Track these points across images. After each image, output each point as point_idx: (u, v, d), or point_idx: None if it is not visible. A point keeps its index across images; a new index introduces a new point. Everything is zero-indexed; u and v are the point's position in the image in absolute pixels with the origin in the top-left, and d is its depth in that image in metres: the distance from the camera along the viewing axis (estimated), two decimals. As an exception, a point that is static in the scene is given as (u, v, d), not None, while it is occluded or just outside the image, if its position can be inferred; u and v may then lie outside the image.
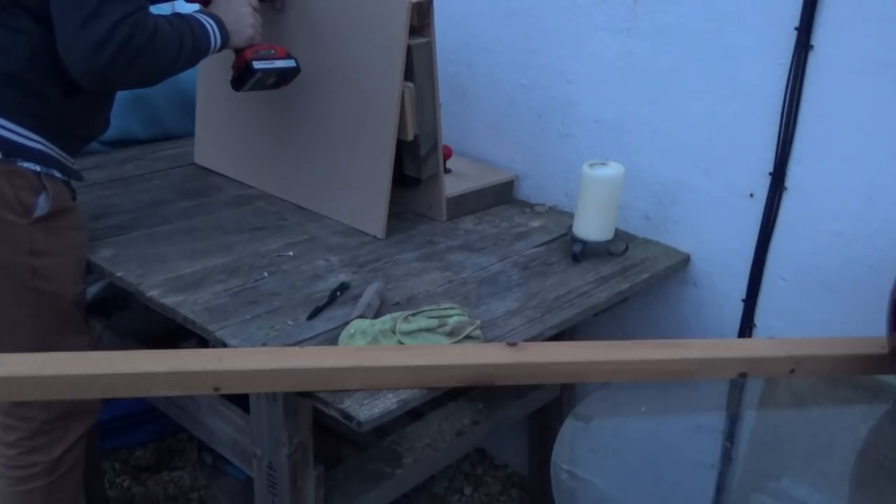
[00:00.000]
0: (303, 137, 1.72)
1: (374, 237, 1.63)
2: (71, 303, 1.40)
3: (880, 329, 1.15)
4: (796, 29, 1.41)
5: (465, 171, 1.87)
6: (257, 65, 1.51)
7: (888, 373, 1.20)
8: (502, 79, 1.91)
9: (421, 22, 1.53)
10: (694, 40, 1.56)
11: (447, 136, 2.02)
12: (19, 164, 1.27)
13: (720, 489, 1.09)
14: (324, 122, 1.66)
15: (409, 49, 1.51)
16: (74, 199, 1.40)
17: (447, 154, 1.78)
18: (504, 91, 1.91)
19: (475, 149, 2.00)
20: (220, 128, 1.90)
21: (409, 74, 1.54)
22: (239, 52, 1.51)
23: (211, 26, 1.42)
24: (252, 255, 1.52)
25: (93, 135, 1.48)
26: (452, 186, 1.76)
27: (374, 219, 1.62)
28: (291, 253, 1.54)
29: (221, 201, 1.77)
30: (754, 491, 1.08)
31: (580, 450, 1.09)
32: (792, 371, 1.17)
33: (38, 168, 1.29)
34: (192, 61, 1.39)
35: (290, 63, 1.57)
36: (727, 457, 1.13)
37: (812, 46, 1.41)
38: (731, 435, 1.20)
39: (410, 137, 1.59)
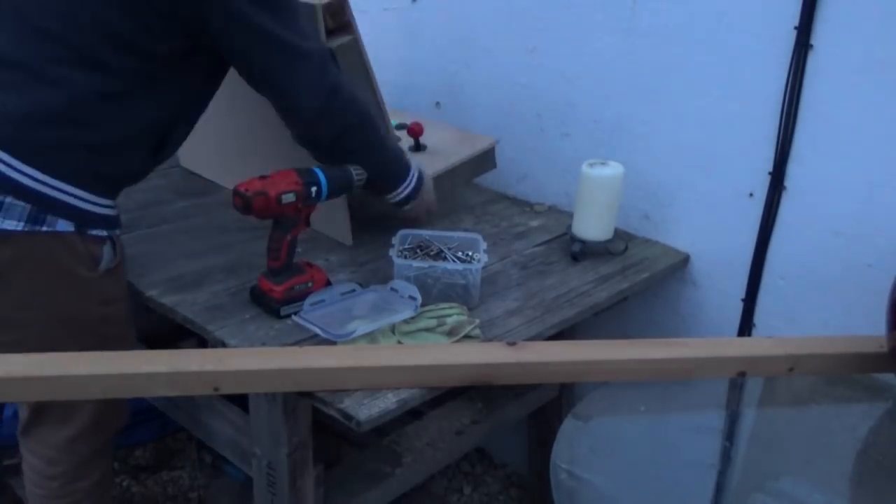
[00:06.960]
0: (265, 144, 1.66)
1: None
2: (132, 338, 1.38)
3: (879, 328, 1.15)
4: (796, 28, 1.42)
5: (440, 145, 1.75)
6: (284, 310, 1.30)
7: (887, 371, 1.20)
8: (502, 79, 1.91)
9: (337, 22, 1.45)
10: (693, 40, 1.56)
11: (447, 136, 2.02)
12: (91, 232, 1.22)
13: (719, 489, 1.09)
14: (278, 130, 1.52)
15: (332, 52, 1.42)
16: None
17: (419, 131, 1.71)
18: (504, 91, 1.91)
19: (475, 148, 2.00)
20: (202, 131, 1.84)
21: None
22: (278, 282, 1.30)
23: (413, 173, 1.47)
24: (251, 254, 1.52)
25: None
26: (426, 168, 1.63)
27: (338, 226, 1.58)
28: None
29: (221, 201, 1.77)
30: (754, 490, 1.08)
31: (579, 449, 1.09)
32: (791, 370, 1.16)
33: (105, 233, 1.24)
34: (375, 163, 1.39)
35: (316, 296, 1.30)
36: (726, 456, 1.13)
37: (811, 46, 1.41)
38: (730, 434, 1.20)
39: None
